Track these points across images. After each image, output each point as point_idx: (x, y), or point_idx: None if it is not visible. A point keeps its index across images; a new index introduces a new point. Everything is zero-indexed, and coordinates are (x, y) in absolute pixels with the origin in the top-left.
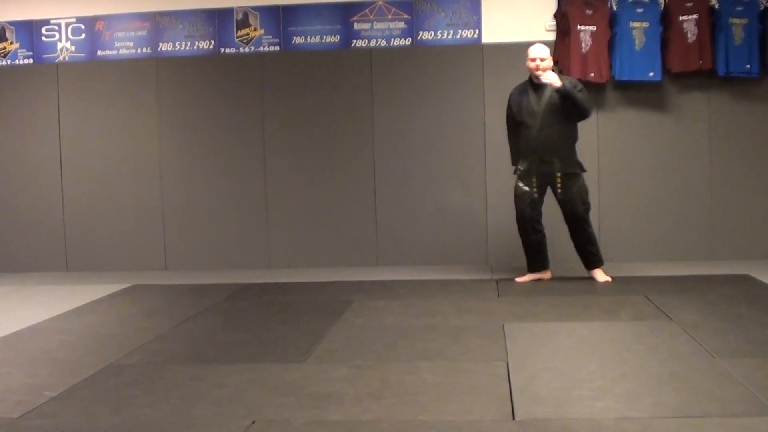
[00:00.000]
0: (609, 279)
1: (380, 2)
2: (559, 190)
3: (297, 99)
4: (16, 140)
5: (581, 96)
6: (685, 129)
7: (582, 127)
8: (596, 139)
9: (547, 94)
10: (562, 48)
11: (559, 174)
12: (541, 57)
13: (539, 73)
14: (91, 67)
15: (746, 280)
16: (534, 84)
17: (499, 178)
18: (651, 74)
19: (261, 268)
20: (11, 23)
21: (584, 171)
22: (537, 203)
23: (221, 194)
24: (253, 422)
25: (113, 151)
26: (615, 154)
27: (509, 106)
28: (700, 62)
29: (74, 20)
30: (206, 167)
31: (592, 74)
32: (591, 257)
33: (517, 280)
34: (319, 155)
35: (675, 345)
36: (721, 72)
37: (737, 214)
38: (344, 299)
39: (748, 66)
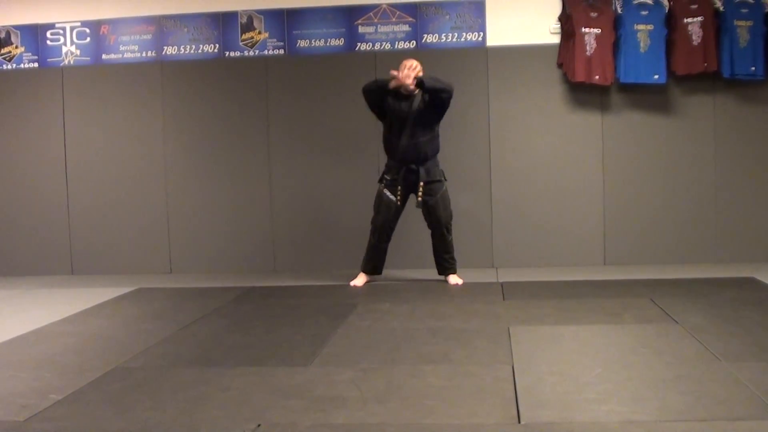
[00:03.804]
0: (460, 282)
1: (385, 5)
2: (420, 198)
3: (301, 102)
4: (21, 144)
5: (435, 81)
6: (689, 131)
7: (586, 129)
8: (601, 141)
9: (415, 105)
10: (566, 51)
11: (422, 183)
12: (411, 66)
13: (406, 79)
14: (96, 71)
15: (752, 283)
16: (403, 94)
17: (504, 182)
18: (656, 77)
19: (266, 271)
20: (16, 27)
21: (445, 180)
22: (399, 212)
23: (226, 197)
24: (259, 425)
25: (118, 154)
26: (619, 156)
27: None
28: (705, 64)
29: (79, 24)
30: (211, 170)
31: (597, 77)
32: (446, 264)
33: (353, 283)
34: (323, 158)
35: (680, 348)
36: (726, 74)
37: (742, 217)
38: (349, 302)
39: (753, 68)
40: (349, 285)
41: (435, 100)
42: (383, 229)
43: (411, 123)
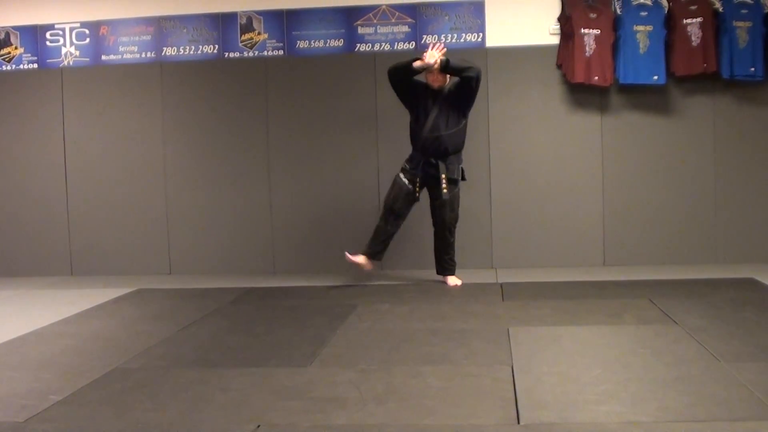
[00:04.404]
0: (459, 283)
1: (384, 6)
2: (444, 191)
3: (301, 103)
4: (20, 145)
5: (460, 61)
6: (689, 132)
7: (586, 130)
8: (600, 142)
9: (442, 97)
10: (565, 52)
11: (444, 177)
12: (438, 46)
13: (431, 58)
14: (96, 72)
15: (751, 283)
16: (431, 88)
17: (503, 182)
18: (655, 78)
19: (265, 272)
20: (16, 28)
21: (464, 179)
22: (411, 201)
23: (225, 198)
24: (258, 426)
25: (118, 155)
26: (619, 157)
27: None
28: (705, 65)
29: (78, 25)
30: (210, 171)
31: (596, 78)
32: (446, 264)
33: (349, 257)
34: (323, 159)
35: (680, 349)
36: (725, 75)
37: (742, 217)
38: (348, 303)
39: (753, 69)
40: (348, 286)
41: (462, 84)
42: (392, 210)
43: (435, 116)
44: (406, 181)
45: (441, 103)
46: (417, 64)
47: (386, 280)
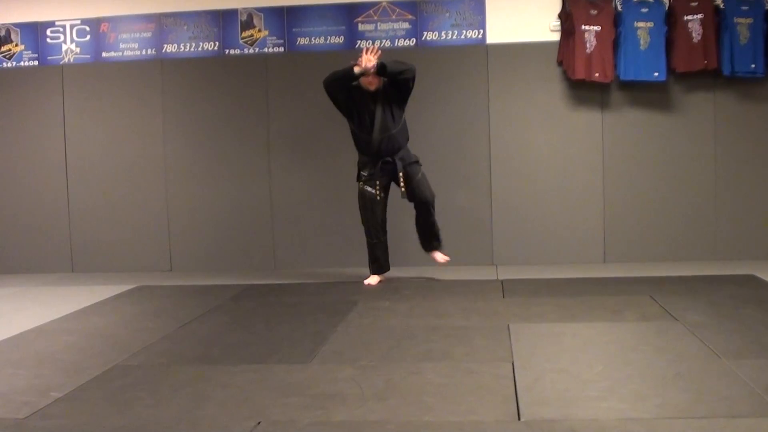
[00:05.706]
0: (448, 258)
1: (384, 3)
2: (403, 189)
3: (301, 100)
4: (21, 142)
5: (395, 63)
6: (690, 129)
7: (586, 127)
8: (601, 139)
9: (381, 98)
10: (566, 48)
11: (401, 174)
12: (372, 50)
13: (368, 62)
14: (96, 69)
15: (751, 280)
16: (366, 91)
17: (504, 179)
18: (656, 74)
19: (266, 269)
20: (16, 25)
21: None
22: (385, 204)
23: (226, 195)
24: (259, 423)
25: (118, 152)
26: (620, 154)
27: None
28: (705, 62)
29: (79, 22)
30: (211, 168)
31: (597, 74)
32: (434, 239)
33: (366, 282)
34: (323, 156)
35: (680, 345)
36: (726, 72)
37: (742, 214)
38: (349, 300)
39: (753, 65)
40: (348, 283)
41: (398, 84)
42: (375, 225)
43: (380, 117)
44: (374, 190)
45: (383, 104)
46: (356, 70)
47: (386, 277)
